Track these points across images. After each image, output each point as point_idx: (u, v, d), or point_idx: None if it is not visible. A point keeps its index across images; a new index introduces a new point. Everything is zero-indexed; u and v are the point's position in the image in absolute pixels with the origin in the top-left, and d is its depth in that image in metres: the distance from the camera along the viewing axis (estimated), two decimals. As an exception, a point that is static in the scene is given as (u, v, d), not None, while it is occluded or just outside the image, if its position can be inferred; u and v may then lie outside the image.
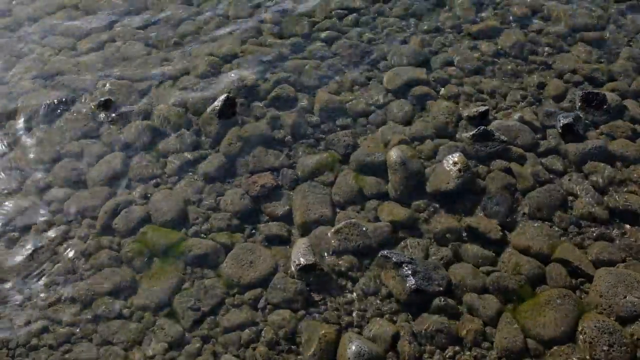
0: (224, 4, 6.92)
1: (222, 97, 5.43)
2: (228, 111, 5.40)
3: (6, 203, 4.81)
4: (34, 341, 3.95)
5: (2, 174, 5.08)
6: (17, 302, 4.18)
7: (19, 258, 4.43)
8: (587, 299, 3.96)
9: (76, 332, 3.99)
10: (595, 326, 3.72)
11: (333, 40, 6.28)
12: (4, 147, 5.35)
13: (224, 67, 6.03)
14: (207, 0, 6.99)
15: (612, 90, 5.48)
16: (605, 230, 4.38)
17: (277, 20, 6.63)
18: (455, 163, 4.69)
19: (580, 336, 3.73)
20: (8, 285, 4.27)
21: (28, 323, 4.05)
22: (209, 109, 5.43)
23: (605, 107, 5.27)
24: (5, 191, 4.93)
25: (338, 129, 5.28)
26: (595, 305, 3.89)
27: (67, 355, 3.86)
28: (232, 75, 5.85)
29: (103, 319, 4.05)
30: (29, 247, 4.50)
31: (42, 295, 4.20)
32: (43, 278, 4.30)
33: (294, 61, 6.02)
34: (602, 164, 4.81)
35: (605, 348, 3.64)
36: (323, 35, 6.35)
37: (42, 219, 4.70)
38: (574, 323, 3.80)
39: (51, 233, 4.59)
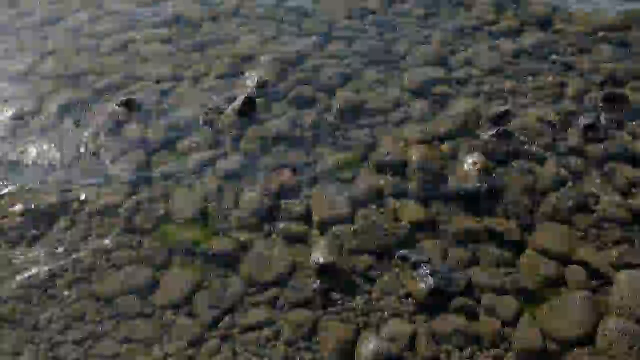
0: (244, 4, 6.96)
1: (242, 96, 5.47)
2: (248, 110, 5.44)
3: (30, 200, 4.88)
4: (58, 338, 4.00)
5: (26, 171, 5.15)
6: (40, 300, 4.23)
7: (41, 255, 4.49)
8: (608, 301, 3.92)
9: (98, 329, 4.03)
10: (615, 328, 3.69)
11: (353, 39, 6.29)
12: (27, 144, 5.42)
13: (243, 67, 6.06)
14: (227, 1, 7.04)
15: (634, 90, 5.41)
16: (627, 232, 4.34)
17: (297, 20, 6.65)
18: (474, 163, 4.68)
19: (600, 338, 3.70)
20: (30, 282, 4.33)
21: (51, 320, 4.10)
22: (229, 108, 5.47)
23: (626, 106, 5.22)
24: (29, 188, 5.00)
25: (357, 128, 5.29)
26: (615, 307, 3.86)
27: (89, 352, 3.91)
28: (252, 74, 5.88)
29: (124, 316, 4.09)
30: (51, 245, 4.56)
31: (64, 292, 4.26)
32: (65, 275, 4.36)
33: (314, 60, 6.04)
34: (624, 165, 4.76)
35: (625, 350, 3.61)
36: (343, 34, 6.36)
37: (65, 216, 4.76)
38: (594, 325, 3.77)
39: (73, 230, 4.65)
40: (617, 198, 4.52)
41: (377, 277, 4.17)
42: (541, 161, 4.88)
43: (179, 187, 4.92)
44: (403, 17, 6.56)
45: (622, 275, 3.99)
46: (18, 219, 4.75)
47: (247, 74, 5.95)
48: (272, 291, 4.14)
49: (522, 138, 4.97)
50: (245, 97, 5.45)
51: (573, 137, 5.05)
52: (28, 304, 4.20)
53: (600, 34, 6.12)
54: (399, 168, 4.86)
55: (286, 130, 5.29)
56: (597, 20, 6.27)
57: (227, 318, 4.02)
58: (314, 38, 6.34)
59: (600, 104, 5.28)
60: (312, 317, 3.96)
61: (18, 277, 4.36)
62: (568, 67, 5.80)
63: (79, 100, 5.83)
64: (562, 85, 5.59)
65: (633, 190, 4.60)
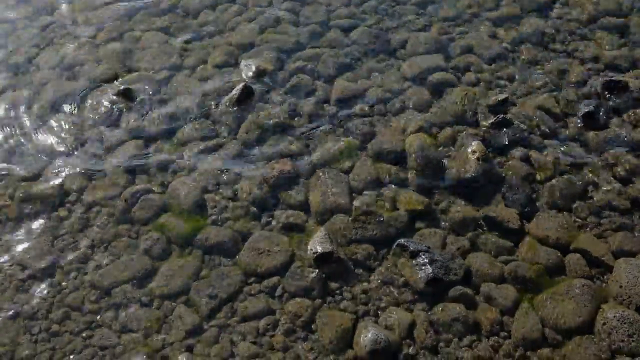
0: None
1: (240, 85, 5.44)
2: (246, 100, 5.41)
3: (27, 190, 4.87)
4: (55, 327, 4.01)
5: (24, 162, 5.14)
6: (39, 290, 4.23)
7: (38, 246, 4.49)
8: (607, 289, 3.92)
9: (96, 319, 4.04)
10: (614, 316, 3.69)
11: (351, 27, 6.25)
12: (25, 135, 5.41)
13: (241, 56, 6.03)
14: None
15: (635, 78, 5.38)
16: (626, 220, 4.32)
17: (295, 8, 6.60)
18: (474, 151, 4.65)
19: (600, 326, 3.70)
20: (28, 272, 4.33)
21: (50, 310, 4.11)
22: (226, 98, 5.45)
23: (627, 94, 5.18)
24: (26, 178, 4.99)
25: (356, 116, 5.26)
26: (614, 295, 3.85)
27: (87, 342, 3.91)
28: (250, 63, 5.85)
29: (122, 306, 4.09)
30: (49, 235, 4.55)
31: (62, 283, 4.25)
32: (63, 266, 4.36)
33: (312, 49, 6.01)
34: (624, 153, 4.74)
35: (624, 338, 3.61)
36: (341, 22, 6.32)
37: (62, 206, 4.76)
38: (593, 313, 3.77)
39: (71, 221, 4.64)
40: (617, 186, 4.50)
41: (376, 266, 4.17)
42: (541, 149, 4.85)
43: (177, 177, 4.91)
44: (402, 4, 6.51)
45: (622, 263, 3.98)
46: (16, 208, 4.76)
47: (245, 62, 5.91)
48: (271, 281, 4.14)
49: (521, 126, 4.94)
50: (243, 86, 5.42)
51: (573, 125, 5.02)
52: (26, 293, 4.22)
53: (602, 20, 6.07)
54: (398, 157, 4.84)
55: (284, 120, 5.26)
56: (598, 7, 6.21)
57: (225, 308, 4.02)
58: (312, 26, 6.29)
59: (601, 92, 5.23)
60: (310, 306, 3.96)
61: (14, 264, 4.38)
62: (568, 54, 5.76)
63: (76, 90, 5.80)
64: (562, 72, 5.55)
65: (633, 178, 4.57)
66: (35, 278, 4.29)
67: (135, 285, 4.20)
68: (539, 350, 3.67)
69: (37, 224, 4.65)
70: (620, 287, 3.85)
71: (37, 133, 5.41)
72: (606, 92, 5.21)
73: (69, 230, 4.58)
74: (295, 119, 5.29)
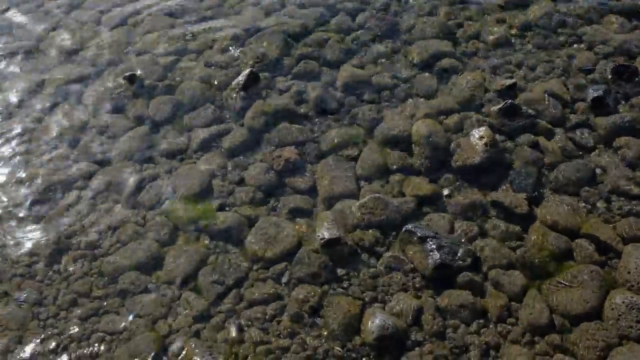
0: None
1: (246, 71, 5.42)
2: (252, 85, 5.38)
3: (33, 178, 4.87)
4: (63, 314, 4.01)
5: (30, 149, 5.14)
6: (46, 276, 4.24)
7: (47, 233, 4.49)
8: (615, 275, 3.89)
9: (104, 305, 4.04)
10: (623, 302, 3.67)
11: (358, 11, 6.21)
12: (31, 122, 5.40)
13: (247, 41, 6.00)
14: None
15: (645, 62, 5.33)
16: (635, 205, 4.29)
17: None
18: (481, 137, 4.62)
19: (608, 312, 3.68)
20: (36, 258, 4.34)
21: (57, 296, 4.11)
22: (233, 83, 5.42)
23: (637, 79, 5.14)
24: (33, 166, 4.99)
25: (363, 102, 5.23)
26: (623, 281, 3.83)
27: (95, 327, 3.92)
28: (256, 49, 5.82)
29: (129, 292, 4.09)
30: (56, 222, 4.55)
31: (70, 269, 4.26)
32: (70, 252, 4.36)
33: (318, 34, 5.97)
34: (633, 138, 4.69)
35: (633, 324, 3.59)
36: (347, 6, 6.27)
37: (69, 193, 4.76)
38: (602, 299, 3.75)
39: (78, 208, 4.64)
40: (626, 171, 4.47)
41: (383, 252, 4.15)
42: (549, 134, 4.81)
43: (183, 163, 4.90)
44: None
45: (631, 249, 3.96)
46: (24, 195, 4.76)
47: (251, 47, 5.88)
48: (278, 266, 4.13)
49: (529, 111, 4.90)
50: (250, 72, 5.40)
51: (582, 111, 4.97)
52: (33, 279, 4.23)
53: (611, 4, 6.01)
54: (405, 143, 4.81)
55: (291, 105, 5.23)
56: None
57: (232, 294, 4.01)
58: (318, 11, 6.25)
59: (610, 77, 5.19)
60: (317, 292, 3.95)
61: (22, 252, 4.39)
62: (577, 39, 5.71)
63: (82, 76, 5.80)
64: (571, 57, 5.50)
65: (642, 163, 4.54)
66: (43, 264, 4.29)
67: (142, 271, 4.19)
68: (546, 337, 3.65)
69: (45, 211, 4.65)
70: (629, 272, 3.83)
71: (43, 120, 5.41)
72: (616, 77, 5.16)
73: (77, 217, 4.58)
74: (302, 105, 5.26)
